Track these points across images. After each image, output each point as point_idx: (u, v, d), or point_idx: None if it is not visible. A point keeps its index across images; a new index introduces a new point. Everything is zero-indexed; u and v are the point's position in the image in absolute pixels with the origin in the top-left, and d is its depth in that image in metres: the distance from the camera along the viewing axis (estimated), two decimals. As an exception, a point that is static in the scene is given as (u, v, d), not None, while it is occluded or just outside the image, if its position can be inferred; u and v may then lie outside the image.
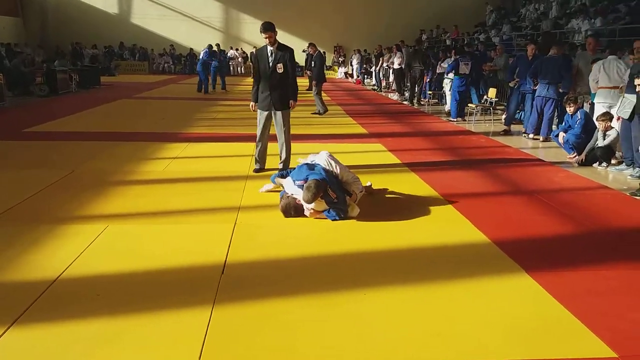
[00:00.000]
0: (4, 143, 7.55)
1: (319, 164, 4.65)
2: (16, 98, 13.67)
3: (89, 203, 4.71)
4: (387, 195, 5.17)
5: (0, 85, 12.24)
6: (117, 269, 3.39)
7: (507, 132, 9.22)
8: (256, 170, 6.04)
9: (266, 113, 5.92)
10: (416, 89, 14.21)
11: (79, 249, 3.64)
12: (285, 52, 5.86)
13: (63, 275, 3.25)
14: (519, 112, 10.00)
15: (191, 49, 25.91)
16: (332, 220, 4.39)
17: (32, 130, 8.64)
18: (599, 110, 7.31)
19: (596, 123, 6.91)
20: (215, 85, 17.21)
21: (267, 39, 5.76)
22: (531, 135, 8.76)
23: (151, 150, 7.14)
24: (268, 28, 5.73)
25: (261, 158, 6.09)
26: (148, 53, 27.41)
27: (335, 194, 4.37)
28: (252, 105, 6.12)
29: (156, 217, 4.45)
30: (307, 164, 4.72)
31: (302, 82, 20.29)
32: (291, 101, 6.01)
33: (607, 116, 6.76)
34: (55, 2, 26.62)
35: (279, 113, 5.92)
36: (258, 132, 6.01)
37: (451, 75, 11.25)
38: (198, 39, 24.64)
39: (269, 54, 5.83)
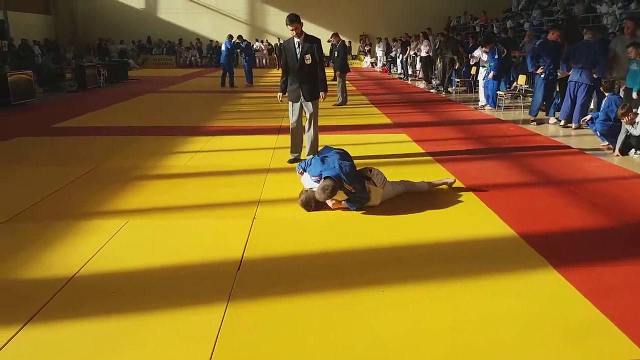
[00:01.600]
0: (33, 139, 7.70)
1: (332, 155, 4.54)
2: (46, 94, 13.96)
3: (111, 198, 4.74)
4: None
5: (31, 82, 12.51)
6: (134, 264, 3.38)
7: (537, 122, 8.84)
8: (291, 161, 6.01)
9: (297, 104, 5.91)
10: (446, 76, 13.93)
11: (98, 245, 3.65)
12: (312, 43, 5.82)
13: (81, 272, 3.25)
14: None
15: (211, 41, 25.97)
16: (353, 210, 4.31)
17: (60, 126, 8.79)
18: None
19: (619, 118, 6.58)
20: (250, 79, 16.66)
21: (294, 31, 5.73)
22: (562, 123, 8.44)
23: (174, 144, 7.16)
24: (294, 20, 5.70)
25: (296, 147, 6.09)
26: (175, 47, 27.67)
27: (352, 185, 4.28)
28: (279, 96, 6.08)
29: (176, 211, 4.44)
30: (321, 156, 4.63)
31: (329, 72, 20.23)
32: (322, 93, 5.99)
33: (625, 109, 6.36)
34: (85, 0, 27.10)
35: (309, 103, 5.90)
36: (291, 123, 6.01)
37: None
38: (224, 32, 24.63)
39: (296, 46, 5.80)
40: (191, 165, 6.06)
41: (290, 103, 5.98)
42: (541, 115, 9.12)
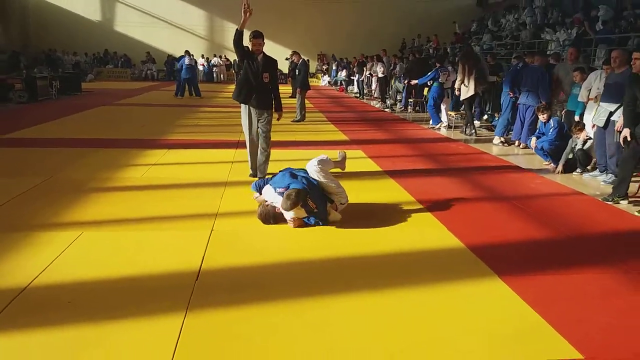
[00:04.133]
0: (-20, 150, 7.43)
1: (301, 173, 4.65)
2: (-5, 104, 13.48)
3: (65, 210, 4.66)
4: (364, 202, 5.18)
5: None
6: (90, 275, 3.36)
7: (507, 142, 9.07)
8: (251, 175, 6.05)
9: (248, 110, 5.88)
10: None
11: (53, 256, 3.60)
12: (271, 62, 5.88)
13: (34, 283, 3.21)
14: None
15: (169, 56, 25.76)
16: (312, 226, 4.41)
17: (10, 137, 8.53)
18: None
19: (572, 133, 7.04)
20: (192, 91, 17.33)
21: (256, 47, 5.72)
22: (517, 143, 8.83)
23: (130, 157, 7.08)
24: (258, 36, 5.74)
25: (254, 162, 6.09)
26: (130, 60, 27.27)
27: (316, 204, 4.39)
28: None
29: (132, 223, 4.42)
30: (290, 171, 4.73)
31: (285, 89, 20.40)
32: (278, 113, 6.12)
33: (581, 125, 6.95)
34: (36, 8, 26.46)
35: (262, 113, 5.90)
36: (247, 136, 6.02)
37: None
38: (181, 46, 24.52)
39: (254, 59, 5.77)
40: (147, 178, 6.02)
41: (242, 107, 5.92)
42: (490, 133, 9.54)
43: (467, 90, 9.81)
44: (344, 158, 5.58)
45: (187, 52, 17.69)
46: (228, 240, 4.10)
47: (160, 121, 11.14)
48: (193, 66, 17.31)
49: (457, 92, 10.18)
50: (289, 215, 4.37)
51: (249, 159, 6.11)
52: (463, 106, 10.56)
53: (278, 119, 6.13)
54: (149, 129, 9.94)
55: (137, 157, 7.11)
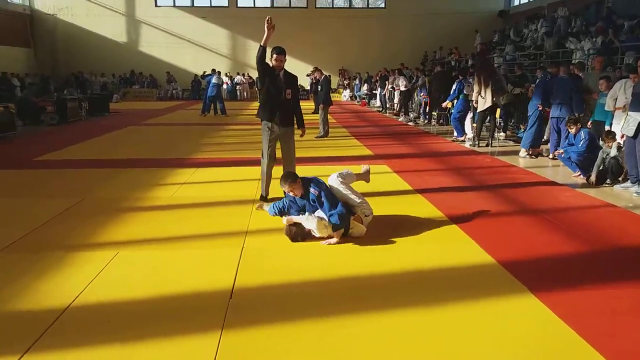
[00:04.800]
0: (15, 172, 7.70)
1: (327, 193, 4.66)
2: (27, 127, 13.92)
3: (99, 230, 4.79)
4: (392, 216, 5.20)
5: (12, 115, 12.48)
6: (127, 295, 3.45)
7: (534, 154, 8.97)
8: (262, 198, 5.88)
9: (271, 127, 5.77)
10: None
11: (90, 277, 3.70)
12: (292, 79, 5.86)
13: (74, 303, 3.31)
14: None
15: (195, 75, 26.24)
16: (334, 224, 4.42)
17: (43, 159, 8.79)
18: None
19: (602, 143, 6.96)
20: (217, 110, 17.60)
21: (279, 63, 5.67)
22: (552, 156, 8.68)
23: (160, 177, 7.24)
24: (281, 52, 5.66)
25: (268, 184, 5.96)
26: (156, 80, 27.88)
27: (322, 198, 4.52)
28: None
29: (165, 243, 4.52)
30: (320, 191, 4.65)
31: (307, 105, 20.58)
32: (301, 129, 6.07)
33: (612, 134, 6.85)
34: (65, 33, 27.29)
35: (284, 132, 5.84)
36: (265, 154, 5.87)
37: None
38: (206, 66, 24.98)
39: (277, 76, 5.73)
40: (177, 197, 6.14)
41: (263, 125, 5.78)
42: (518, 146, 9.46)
43: (484, 101, 9.79)
44: (368, 171, 5.60)
45: (214, 70, 18.03)
46: (259, 258, 4.15)
47: (187, 140, 11.34)
48: (219, 85, 17.61)
49: (474, 104, 10.16)
50: (314, 230, 4.44)
51: (263, 180, 5.92)
52: (488, 118, 10.53)
53: (302, 136, 6.15)
54: (177, 148, 10.13)
55: (167, 176, 7.26)
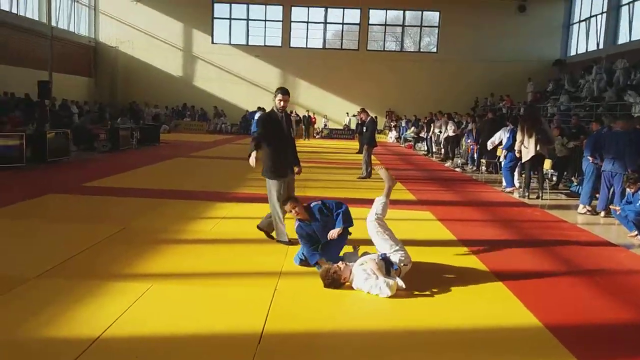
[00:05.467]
0: (64, 197, 7.94)
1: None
2: (80, 153, 14.47)
3: (137, 261, 4.81)
4: (432, 267, 4.99)
5: (67, 141, 13.03)
6: (156, 331, 3.39)
7: (591, 212, 8.45)
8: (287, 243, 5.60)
9: (285, 179, 5.60)
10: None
11: (122, 308, 3.67)
12: (289, 117, 5.82)
13: (105, 334, 3.28)
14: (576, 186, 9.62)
15: (246, 111, 26.86)
16: (345, 226, 4.73)
17: (91, 185, 9.05)
18: None
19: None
20: None
21: (284, 103, 5.55)
22: (602, 213, 8.25)
23: (201, 209, 7.29)
24: (287, 92, 5.60)
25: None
26: (207, 114, 28.72)
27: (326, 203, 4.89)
28: (252, 158, 5.54)
29: (199, 278, 4.49)
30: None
31: (352, 144, 20.62)
32: (296, 168, 5.83)
33: None
34: (125, 64, 28.64)
35: (290, 177, 5.72)
36: (280, 204, 5.47)
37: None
38: (255, 102, 25.59)
39: (280, 119, 5.62)
40: (216, 232, 6.14)
41: (277, 181, 5.53)
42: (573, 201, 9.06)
43: (527, 151, 9.51)
44: (385, 173, 5.18)
45: (259, 107, 18.44)
46: (291, 302, 4.04)
47: (230, 174, 11.49)
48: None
49: (517, 154, 9.87)
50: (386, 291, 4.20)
51: (283, 229, 5.64)
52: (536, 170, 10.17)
53: (298, 173, 5.91)
54: (220, 181, 10.26)
55: (208, 209, 7.31)
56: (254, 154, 5.53)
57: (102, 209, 7.14)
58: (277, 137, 5.54)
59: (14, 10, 21.60)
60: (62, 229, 5.89)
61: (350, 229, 4.88)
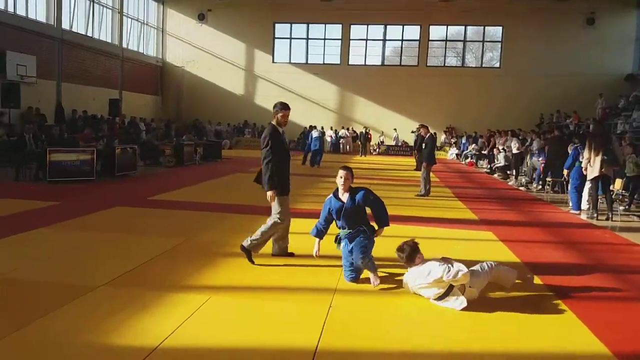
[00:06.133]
0: (131, 209, 8.28)
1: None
2: (147, 167, 15.11)
3: (196, 273, 4.93)
4: (493, 292, 4.80)
5: (135, 156, 13.65)
6: (211, 342, 3.46)
7: None
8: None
9: (288, 195, 5.61)
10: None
11: (181, 319, 3.77)
12: (284, 132, 5.59)
13: (163, 344, 3.37)
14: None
15: (305, 128, 27.12)
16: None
17: (155, 199, 9.41)
18: None
19: None
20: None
21: (287, 120, 5.48)
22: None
23: (258, 223, 7.34)
24: (289, 107, 5.50)
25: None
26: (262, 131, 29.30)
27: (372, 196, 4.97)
28: (270, 195, 5.43)
29: (255, 291, 4.54)
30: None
31: (410, 161, 20.37)
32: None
33: None
34: (190, 83, 29.79)
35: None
36: (287, 221, 5.60)
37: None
38: (313, 119, 25.83)
39: (282, 134, 5.52)
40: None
41: (283, 198, 5.52)
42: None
43: (592, 170, 9.05)
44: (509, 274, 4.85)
45: (311, 126, 19.03)
46: (346, 319, 4.00)
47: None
48: (321, 137, 18.35)
49: (584, 171, 9.42)
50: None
51: (263, 245, 5.53)
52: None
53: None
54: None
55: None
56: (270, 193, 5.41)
57: (165, 222, 7.39)
58: (281, 152, 5.42)
59: (89, 34, 23.00)
60: (127, 240, 6.14)
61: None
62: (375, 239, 5.02)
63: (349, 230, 4.96)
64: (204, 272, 4.97)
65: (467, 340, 3.68)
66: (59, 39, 20.49)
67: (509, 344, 3.65)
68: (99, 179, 11.74)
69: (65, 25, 21.05)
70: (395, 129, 28.19)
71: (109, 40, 24.64)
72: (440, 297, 4.28)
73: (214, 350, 3.35)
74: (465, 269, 4.22)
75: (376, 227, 5.03)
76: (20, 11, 18.91)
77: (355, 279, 4.90)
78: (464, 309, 4.17)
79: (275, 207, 5.46)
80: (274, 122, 5.48)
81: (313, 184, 12.79)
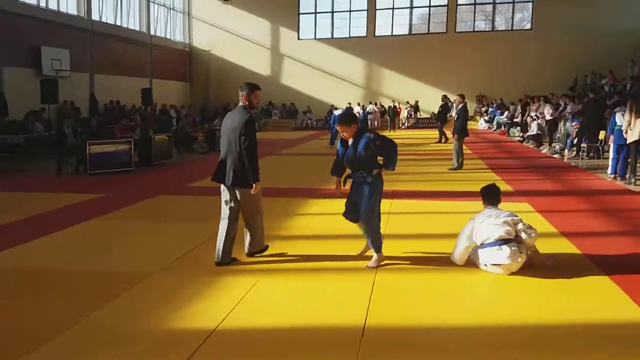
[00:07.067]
0: (172, 197, 8.59)
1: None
2: (181, 155, 15.47)
3: (242, 256, 5.13)
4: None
5: (170, 144, 14.00)
6: (266, 322, 3.69)
7: None
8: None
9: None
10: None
11: (234, 302, 4.00)
12: None
13: (220, 326, 3.61)
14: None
15: (332, 106, 27.08)
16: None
17: (195, 185, 9.70)
18: None
19: None
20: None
21: (258, 100, 5.13)
22: None
23: (295, 206, 7.59)
24: (259, 87, 5.14)
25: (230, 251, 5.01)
26: (294, 110, 29.39)
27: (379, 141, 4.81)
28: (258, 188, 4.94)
29: (300, 272, 4.74)
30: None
31: (432, 133, 20.15)
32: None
33: None
34: (217, 67, 30.02)
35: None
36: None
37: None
38: (340, 96, 25.76)
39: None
40: (311, 228, 6.42)
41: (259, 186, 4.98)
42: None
43: (632, 133, 8.84)
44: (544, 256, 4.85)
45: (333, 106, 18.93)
46: (390, 297, 4.16)
47: (316, 170, 11.60)
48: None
49: (624, 135, 9.18)
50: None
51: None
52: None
53: None
54: (307, 178, 10.53)
55: (301, 206, 7.61)
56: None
57: (206, 208, 7.62)
58: (255, 134, 5.00)
59: (118, 23, 23.35)
60: (175, 227, 6.45)
61: None
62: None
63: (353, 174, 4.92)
64: (252, 258, 5.18)
65: (512, 314, 3.80)
66: (90, 30, 20.87)
67: (550, 314, 3.75)
68: (137, 169, 12.12)
69: (95, 16, 21.41)
70: (407, 102, 27.62)
71: (137, 29, 24.96)
72: (503, 242, 4.41)
73: (269, 330, 3.57)
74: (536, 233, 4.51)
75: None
76: (52, 5, 19.29)
77: (352, 220, 5.01)
78: (510, 274, 4.35)
79: (257, 200, 5.03)
80: (242, 104, 4.99)
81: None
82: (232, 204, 4.95)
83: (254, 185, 4.86)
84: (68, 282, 4.61)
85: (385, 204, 7.49)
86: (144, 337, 3.49)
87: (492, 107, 25.64)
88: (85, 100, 20.59)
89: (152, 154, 12.87)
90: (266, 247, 5.24)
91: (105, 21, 22.27)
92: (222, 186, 4.99)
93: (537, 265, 4.67)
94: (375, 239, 4.88)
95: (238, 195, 4.91)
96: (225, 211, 4.99)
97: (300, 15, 29.72)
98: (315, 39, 29.59)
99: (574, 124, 13.97)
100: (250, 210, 5.00)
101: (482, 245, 4.55)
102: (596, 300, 4.02)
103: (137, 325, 3.68)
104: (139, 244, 5.81)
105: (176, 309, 3.90)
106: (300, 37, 29.69)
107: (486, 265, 4.55)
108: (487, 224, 4.55)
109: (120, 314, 3.87)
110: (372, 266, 4.80)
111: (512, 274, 4.47)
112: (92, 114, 19.83)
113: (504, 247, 4.40)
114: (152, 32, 25.81)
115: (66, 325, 3.63)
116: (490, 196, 4.90)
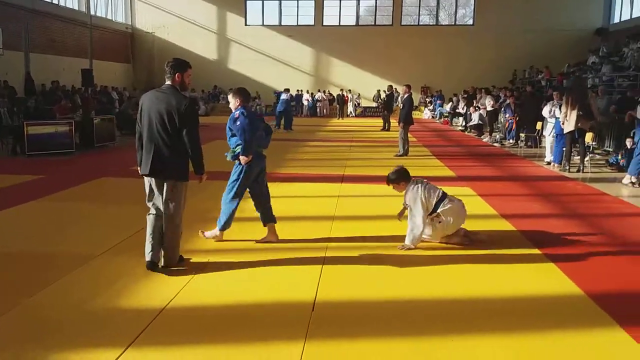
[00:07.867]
0: (116, 180, 8.34)
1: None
2: (124, 137, 14.98)
3: (192, 238, 5.09)
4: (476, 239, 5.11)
5: (113, 126, 13.53)
6: (215, 301, 3.69)
7: (637, 184, 8.25)
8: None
9: None
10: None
11: (183, 282, 3.97)
12: None
13: (170, 304, 3.59)
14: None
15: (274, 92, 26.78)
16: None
17: (136, 169, 9.40)
18: None
19: None
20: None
21: (190, 80, 4.39)
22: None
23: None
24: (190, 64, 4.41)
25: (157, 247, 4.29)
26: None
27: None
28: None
29: (250, 253, 4.75)
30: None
31: (378, 122, 20.51)
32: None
33: None
34: (161, 50, 29.06)
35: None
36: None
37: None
38: (288, 83, 25.64)
39: None
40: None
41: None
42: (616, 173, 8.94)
43: (568, 124, 9.38)
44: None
45: (287, 89, 19.12)
46: (340, 273, 4.26)
47: (269, 155, 11.62)
48: (288, 100, 18.63)
49: (562, 125, 9.73)
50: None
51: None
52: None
53: None
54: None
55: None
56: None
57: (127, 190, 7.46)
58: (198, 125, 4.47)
59: (55, 1, 22.25)
60: (118, 210, 6.27)
61: None
62: None
63: None
64: (198, 237, 5.14)
65: (447, 288, 3.98)
66: (26, 8, 19.79)
67: (489, 289, 3.96)
68: (78, 151, 11.66)
69: (31, -7, 20.31)
70: (347, 90, 27.86)
71: (76, 8, 23.88)
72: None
73: (218, 308, 3.58)
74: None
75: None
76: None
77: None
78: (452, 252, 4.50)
79: (179, 201, 4.46)
80: (171, 83, 4.21)
81: (289, 149, 12.94)
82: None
83: (202, 177, 4.63)
84: (5, 265, 4.41)
85: (336, 187, 7.64)
86: (92, 316, 3.41)
87: (434, 98, 26.34)
88: (20, 79, 19.54)
89: (94, 135, 12.41)
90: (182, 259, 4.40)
91: (42, -1, 21.16)
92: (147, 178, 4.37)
93: (474, 241, 4.99)
94: (223, 218, 5.12)
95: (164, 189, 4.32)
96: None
97: (247, 2, 29.27)
98: (263, 25, 29.25)
99: (507, 115, 14.74)
100: (170, 207, 4.34)
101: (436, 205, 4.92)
102: (532, 275, 4.26)
103: (87, 304, 3.58)
104: (81, 226, 5.61)
105: (121, 292, 3.82)
106: (248, 23, 29.27)
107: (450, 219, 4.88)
108: (428, 188, 5.07)
109: (62, 298, 3.74)
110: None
111: (455, 249, 4.68)
112: (29, 94, 18.83)
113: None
114: (92, 12, 24.72)
115: (14, 303, 3.54)
116: (408, 175, 5.28)
